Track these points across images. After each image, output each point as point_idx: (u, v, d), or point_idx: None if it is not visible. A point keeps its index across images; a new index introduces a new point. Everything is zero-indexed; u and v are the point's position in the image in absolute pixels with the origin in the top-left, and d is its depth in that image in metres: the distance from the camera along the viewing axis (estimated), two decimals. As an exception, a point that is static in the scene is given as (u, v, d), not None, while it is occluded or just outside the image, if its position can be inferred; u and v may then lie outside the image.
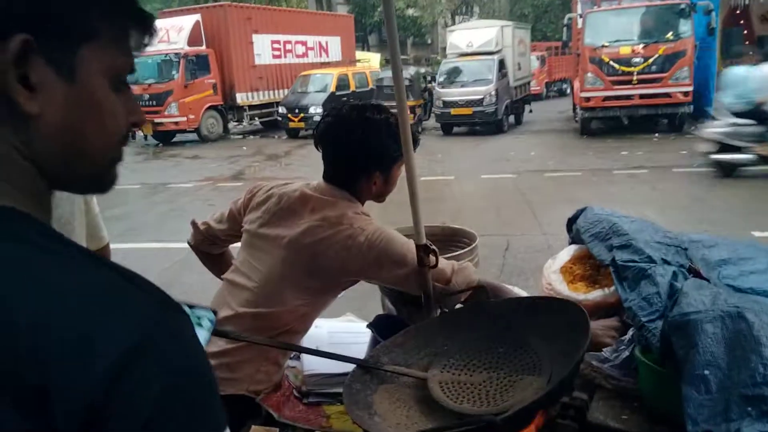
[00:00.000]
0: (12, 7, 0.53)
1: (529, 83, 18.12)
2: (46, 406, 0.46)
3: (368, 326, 1.57)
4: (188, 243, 1.84)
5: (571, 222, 1.91)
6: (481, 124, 14.56)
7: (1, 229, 0.52)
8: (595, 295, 1.59)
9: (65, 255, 0.54)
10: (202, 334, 0.86)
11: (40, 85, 0.55)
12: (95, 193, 0.67)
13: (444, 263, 1.50)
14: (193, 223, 1.83)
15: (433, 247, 1.48)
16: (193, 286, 4.87)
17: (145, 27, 0.64)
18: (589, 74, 12.20)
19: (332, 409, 1.52)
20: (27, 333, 0.47)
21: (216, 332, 1.29)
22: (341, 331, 1.87)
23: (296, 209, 1.56)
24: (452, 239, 2.00)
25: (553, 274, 1.72)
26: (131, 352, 0.48)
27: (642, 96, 11.74)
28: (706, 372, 0.96)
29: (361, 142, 1.51)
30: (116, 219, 8.15)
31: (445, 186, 8.89)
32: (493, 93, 14.28)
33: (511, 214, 7.07)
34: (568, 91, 22.74)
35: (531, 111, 17.61)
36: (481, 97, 14.20)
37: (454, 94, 14.60)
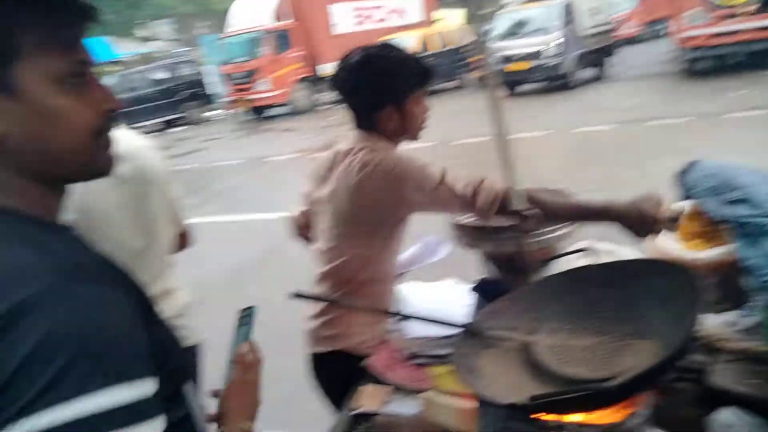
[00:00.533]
0: None
1: (610, 30, 15.15)
2: None
3: (472, 290, 1.60)
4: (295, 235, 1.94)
5: (681, 176, 1.80)
6: (544, 79, 12.79)
7: None
8: (712, 253, 1.50)
9: (10, 239, 0.64)
10: (243, 331, 0.94)
11: None
12: (97, 179, 0.75)
13: (457, 185, 1.45)
14: (290, 218, 1.92)
15: (531, 210, 1.46)
16: (296, 258, 5.10)
17: (76, 18, 0.68)
18: (694, 10, 11.14)
19: (439, 370, 1.57)
20: None
21: (324, 299, 1.37)
22: (444, 294, 1.91)
23: (331, 165, 1.66)
24: (552, 200, 1.95)
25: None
26: (19, 305, 0.57)
27: (753, 29, 10.57)
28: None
29: (367, 79, 1.56)
30: (218, 193, 8.68)
31: (533, 143, 8.54)
32: (556, 43, 12.39)
33: (614, 168, 6.71)
34: (669, 30, 20.97)
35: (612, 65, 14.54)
36: (538, 48, 12.38)
37: (511, 47, 12.84)
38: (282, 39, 15.72)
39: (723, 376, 1.20)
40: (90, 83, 0.69)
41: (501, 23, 13.84)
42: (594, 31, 13.76)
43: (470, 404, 1.33)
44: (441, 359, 1.60)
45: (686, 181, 1.74)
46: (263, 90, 15.58)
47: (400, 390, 1.52)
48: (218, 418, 0.87)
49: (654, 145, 7.30)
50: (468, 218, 1.96)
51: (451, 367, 1.55)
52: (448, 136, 9.23)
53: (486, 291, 1.52)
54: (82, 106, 0.68)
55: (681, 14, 11.51)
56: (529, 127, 9.18)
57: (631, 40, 21.73)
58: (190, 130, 16.39)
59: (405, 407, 1.45)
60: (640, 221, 1.30)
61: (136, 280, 0.76)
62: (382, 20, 18.56)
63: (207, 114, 18.05)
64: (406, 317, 1.38)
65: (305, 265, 1.84)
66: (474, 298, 1.57)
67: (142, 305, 0.70)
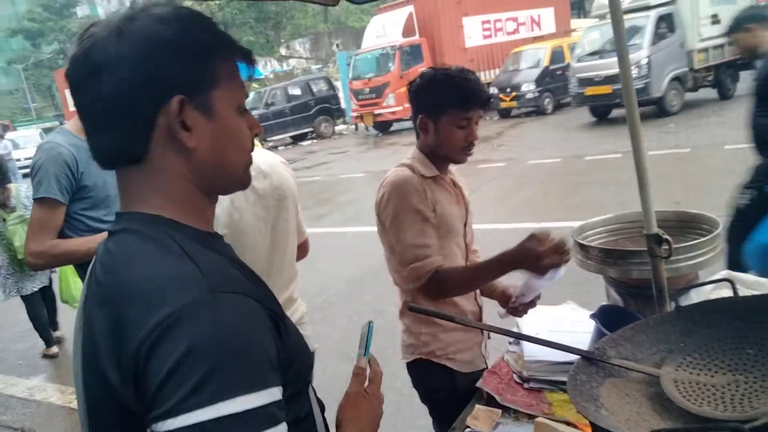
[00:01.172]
0: (172, 75, 0.73)
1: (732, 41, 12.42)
2: (122, 337, 0.67)
3: (591, 317, 1.53)
4: None
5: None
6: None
7: (148, 231, 0.75)
8: None
9: (175, 249, 0.73)
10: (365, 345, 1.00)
11: (194, 126, 0.75)
12: (241, 189, 0.87)
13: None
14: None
15: (666, 236, 1.38)
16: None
17: (249, 60, 0.83)
18: None
19: (554, 397, 1.52)
20: (130, 287, 0.69)
21: (439, 315, 1.40)
22: (562, 319, 1.84)
23: None
24: (689, 225, 1.81)
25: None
26: (172, 316, 0.64)
27: None
28: None
29: (416, 90, 1.68)
30: (344, 204, 9.04)
31: (679, 161, 7.93)
32: (642, 63, 10.60)
33: None
34: None
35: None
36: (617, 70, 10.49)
37: (590, 68, 11.40)
38: (410, 55, 16.10)
39: None
40: (246, 112, 0.83)
41: (589, 37, 12.32)
42: (710, 44, 11.44)
43: (585, 433, 1.27)
44: (557, 385, 1.55)
45: None
46: (388, 105, 16.03)
47: (512, 412, 1.50)
48: (335, 427, 0.91)
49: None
50: (594, 240, 1.88)
51: (567, 394, 1.50)
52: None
53: (607, 318, 1.44)
54: (247, 129, 0.82)
55: None
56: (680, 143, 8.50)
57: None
58: (319, 143, 17.25)
59: (516, 431, 1.42)
60: (529, 260, 1.44)
61: (269, 290, 0.84)
62: (515, 31, 18.30)
63: (336, 128, 18.89)
64: (522, 337, 1.36)
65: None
66: (594, 325, 1.50)
67: (275, 314, 0.76)
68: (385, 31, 16.56)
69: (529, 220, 6.08)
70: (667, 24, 11.12)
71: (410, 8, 16.53)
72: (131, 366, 0.65)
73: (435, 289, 1.60)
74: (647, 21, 10.96)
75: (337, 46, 27.91)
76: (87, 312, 0.76)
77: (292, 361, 0.75)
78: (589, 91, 11.51)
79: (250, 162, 0.84)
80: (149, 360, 0.64)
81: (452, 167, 1.77)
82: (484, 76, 17.08)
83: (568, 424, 1.35)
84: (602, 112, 12.17)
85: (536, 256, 1.43)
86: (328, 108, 18.40)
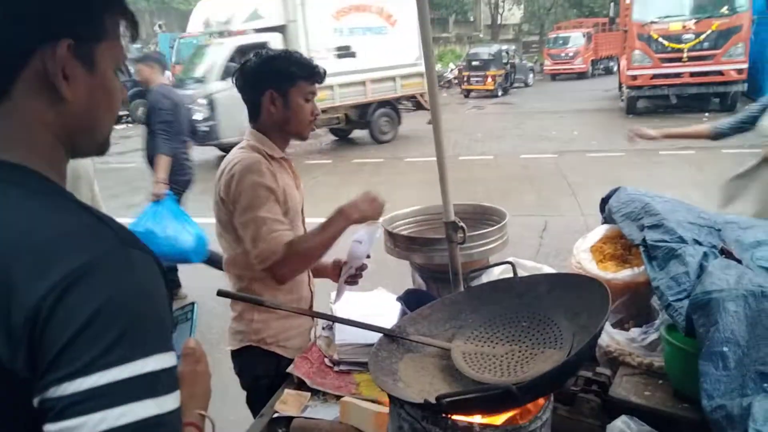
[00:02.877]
0: (62, 16, 0.69)
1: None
2: (7, 297, 0.58)
3: (398, 299, 1.62)
4: None
5: (604, 202, 1.90)
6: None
7: (8, 178, 0.66)
8: (624, 274, 1.59)
9: (55, 201, 0.67)
10: (187, 326, 0.99)
11: (72, 77, 0.70)
12: (98, 156, 0.82)
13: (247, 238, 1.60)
14: None
15: (462, 224, 1.52)
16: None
17: (133, 24, 0.79)
18: (637, 52, 11.78)
19: (362, 377, 1.58)
20: (10, 244, 0.61)
21: (248, 299, 1.38)
22: (373, 304, 1.93)
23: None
24: (483, 217, 2.02)
25: (582, 253, 1.73)
26: (80, 269, 0.59)
27: (693, 74, 11.27)
28: (725, 349, 0.97)
29: (257, 68, 1.66)
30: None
31: (484, 166, 8.81)
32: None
33: (551, 194, 6.98)
34: (615, 69, 22.02)
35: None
36: None
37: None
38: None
39: (622, 387, 1.27)
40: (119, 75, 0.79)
41: None
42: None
43: (384, 409, 1.35)
44: (365, 366, 1.62)
45: (609, 206, 1.84)
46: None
47: (321, 395, 1.53)
48: None
49: (591, 174, 7.64)
50: (402, 229, 2.00)
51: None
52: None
53: (411, 301, 1.55)
54: (119, 93, 0.78)
55: (627, 54, 12.13)
56: (486, 150, 9.38)
57: (584, 75, 22.76)
58: (135, 128, 15.90)
59: (324, 412, 1.46)
60: (361, 205, 1.59)
61: None
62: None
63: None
64: (330, 318, 1.40)
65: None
66: (400, 308, 1.60)
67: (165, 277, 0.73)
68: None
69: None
70: None
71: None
72: (25, 328, 0.57)
73: (289, 263, 1.57)
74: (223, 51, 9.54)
75: (160, 26, 26.01)
76: None
77: None
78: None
79: (112, 128, 0.79)
80: (52, 317, 0.57)
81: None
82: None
83: (372, 401, 1.42)
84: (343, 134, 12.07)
85: (367, 200, 1.58)
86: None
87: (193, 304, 1.01)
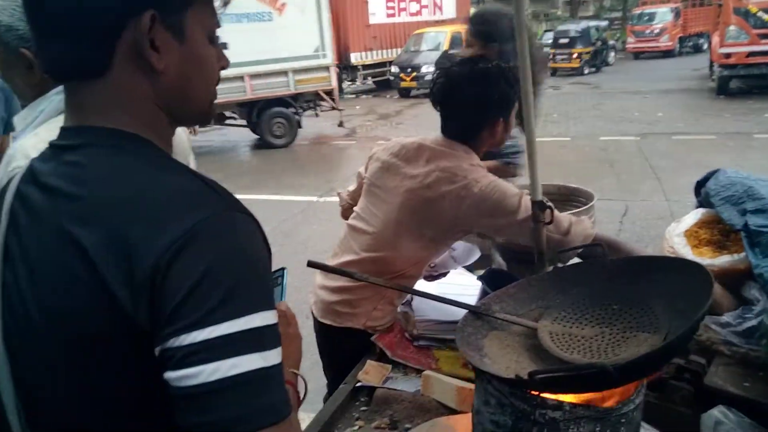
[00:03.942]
0: None
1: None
2: (129, 255, 0.62)
3: (479, 278, 1.62)
4: (341, 215, 1.99)
5: (700, 185, 1.81)
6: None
7: (126, 146, 0.71)
8: (723, 260, 1.51)
9: (166, 164, 0.72)
10: (278, 291, 1.01)
11: (162, 47, 0.70)
12: (201, 125, 0.83)
13: (562, 216, 1.52)
14: (339, 195, 2.01)
15: (549, 203, 1.48)
16: (312, 237, 5.17)
17: None
18: (732, 27, 10.96)
19: (440, 354, 1.60)
20: (127, 203, 0.65)
21: (341, 272, 1.42)
22: (451, 283, 1.93)
23: (412, 158, 1.64)
24: (569, 198, 1.97)
25: (676, 237, 1.66)
26: (192, 230, 0.63)
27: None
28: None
29: (481, 93, 1.54)
30: (241, 174, 8.77)
31: (560, 147, 8.53)
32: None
33: (632, 178, 6.68)
34: (705, 46, 20.60)
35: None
36: None
37: None
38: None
39: (718, 377, 1.21)
40: (217, 43, 0.79)
41: None
42: None
43: (467, 384, 1.36)
44: (444, 343, 1.63)
45: (706, 190, 1.75)
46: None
47: (402, 368, 1.56)
48: None
49: (677, 158, 7.23)
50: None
51: (453, 350, 1.59)
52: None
53: (493, 280, 1.54)
54: (215, 61, 0.78)
55: (720, 30, 11.32)
56: (562, 132, 9.08)
57: (671, 53, 21.49)
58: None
59: (405, 384, 1.49)
60: None
61: None
62: (418, 13, 18.45)
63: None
64: (418, 293, 1.41)
65: (321, 243, 1.88)
66: (481, 287, 1.59)
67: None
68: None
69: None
70: None
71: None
72: (145, 284, 0.62)
73: None
74: None
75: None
76: (53, 229, 0.67)
77: None
78: None
79: (214, 96, 0.81)
80: (168, 275, 0.62)
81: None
82: (386, 55, 17.17)
83: (452, 376, 1.43)
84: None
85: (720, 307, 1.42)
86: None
87: (283, 269, 1.04)
